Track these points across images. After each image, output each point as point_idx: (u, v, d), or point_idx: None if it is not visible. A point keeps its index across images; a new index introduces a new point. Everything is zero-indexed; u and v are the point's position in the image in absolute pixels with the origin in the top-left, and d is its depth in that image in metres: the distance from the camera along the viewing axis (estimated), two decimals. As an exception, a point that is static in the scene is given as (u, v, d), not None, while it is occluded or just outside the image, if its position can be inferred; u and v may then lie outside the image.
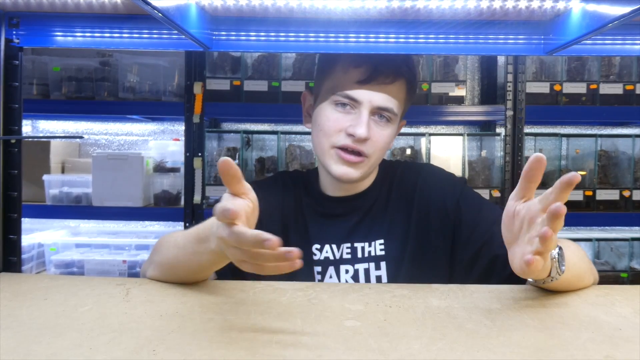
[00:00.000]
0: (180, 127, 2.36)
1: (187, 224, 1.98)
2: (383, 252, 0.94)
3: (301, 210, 1.00)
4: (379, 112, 0.89)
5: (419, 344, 0.56)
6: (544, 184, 2.14)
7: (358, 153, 0.88)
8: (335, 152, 0.89)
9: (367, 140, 0.87)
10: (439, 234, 0.95)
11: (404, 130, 2.41)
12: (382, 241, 0.95)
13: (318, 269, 0.94)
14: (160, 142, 2.38)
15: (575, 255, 0.78)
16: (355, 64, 0.89)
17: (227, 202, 0.63)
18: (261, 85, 2.04)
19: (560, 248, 0.70)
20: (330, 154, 0.90)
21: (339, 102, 0.89)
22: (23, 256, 1.27)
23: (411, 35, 0.93)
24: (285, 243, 0.59)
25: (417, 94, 2.04)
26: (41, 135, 2.51)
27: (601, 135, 2.18)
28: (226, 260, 0.70)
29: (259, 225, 0.97)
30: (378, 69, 0.88)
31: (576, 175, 0.59)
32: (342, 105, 0.89)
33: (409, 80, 0.92)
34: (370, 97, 0.88)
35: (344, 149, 0.88)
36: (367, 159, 0.89)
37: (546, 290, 0.78)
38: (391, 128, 0.91)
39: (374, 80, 0.87)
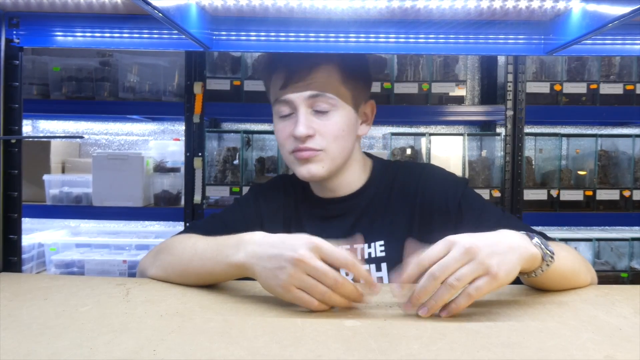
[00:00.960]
0: (180, 127, 2.35)
1: (187, 224, 1.97)
2: (383, 254, 0.94)
3: (299, 213, 1.01)
4: (316, 105, 0.90)
5: (419, 344, 0.56)
6: (544, 184, 2.14)
7: (310, 149, 0.91)
8: (292, 157, 0.93)
9: (313, 136, 0.90)
10: (440, 235, 0.94)
11: (404, 130, 2.44)
12: (382, 242, 0.95)
13: None
14: (160, 142, 2.37)
15: (566, 250, 0.79)
16: (275, 72, 0.93)
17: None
18: (261, 85, 2.02)
19: (544, 237, 0.70)
20: (291, 160, 0.94)
21: (280, 112, 0.93)
22: (23, 256, 1.27)
23: (411, 35, 0.93)
24: None
25: (418, 94, 2.05)
26: (41, 135, 2.51)
27: (601, 135, 2.17)
28: (238, 275, 0.75)
29: (261, 228, 0.98)
30: (294, 67, 0.90)
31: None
32: (284, 114, 0.93)
33: (339, 61, 0.92)
34: (299, 94, 0.90)
35: (297, 151, 0.91)
36: (323, 152, 0.91)
37: (544, 289, 0.78)
38: (338, 115, 0.91)
39: (294, 78, 0.90)
